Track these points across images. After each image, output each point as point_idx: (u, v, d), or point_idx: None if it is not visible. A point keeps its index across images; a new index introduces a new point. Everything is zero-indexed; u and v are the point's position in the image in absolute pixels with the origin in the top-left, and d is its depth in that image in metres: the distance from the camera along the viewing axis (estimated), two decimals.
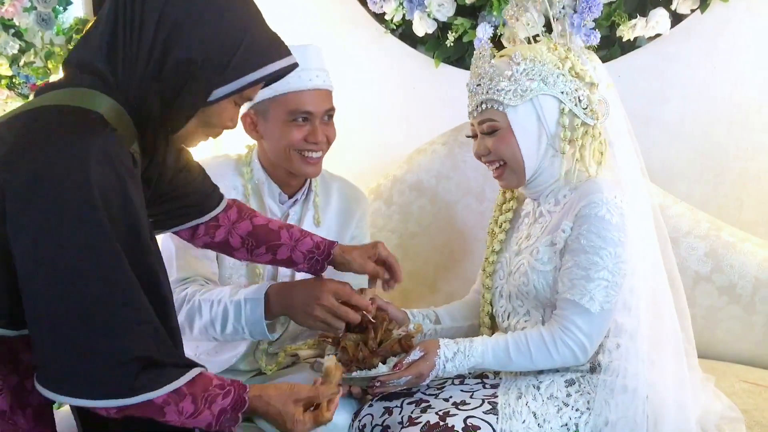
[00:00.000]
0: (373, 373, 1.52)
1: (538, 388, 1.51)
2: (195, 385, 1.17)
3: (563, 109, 1.54)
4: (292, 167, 1.78)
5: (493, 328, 1.74)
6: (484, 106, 1.57)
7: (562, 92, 1.54)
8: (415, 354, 1.53)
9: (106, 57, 1.17)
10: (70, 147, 1.08)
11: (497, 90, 1.54)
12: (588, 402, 1.49)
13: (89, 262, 1.08)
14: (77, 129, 1.11)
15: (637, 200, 1.55)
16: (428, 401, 1.51)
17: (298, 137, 1.74)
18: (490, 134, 1.58)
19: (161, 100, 1.18)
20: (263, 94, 1.73)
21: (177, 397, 1.15)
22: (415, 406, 1.51)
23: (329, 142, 1.80)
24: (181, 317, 1.66)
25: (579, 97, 1.55)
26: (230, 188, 1.82)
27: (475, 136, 1.65)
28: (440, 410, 1.46)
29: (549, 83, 1.54)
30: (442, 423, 1.43)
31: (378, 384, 1.53)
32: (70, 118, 1.13)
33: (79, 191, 1.06)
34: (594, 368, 1.55)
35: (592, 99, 1.55)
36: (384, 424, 1.50)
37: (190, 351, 1.81)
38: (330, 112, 1.80)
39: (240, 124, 1.53)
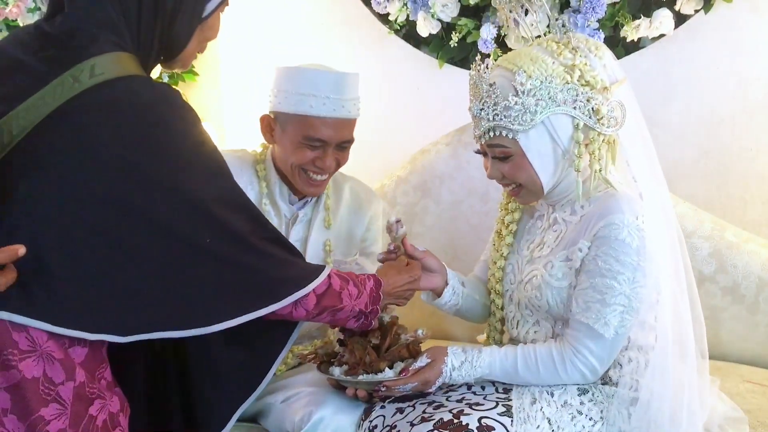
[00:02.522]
0: (379, 377, 1.53)
1: (552, 395, 1.49)
2: (347, 274, 1.46)
3: (577, 124, 1.45)
4: (294, 182, 1.78)
5: (503, 333, 1.72)
6: (492, 133, 1.48)
7: (574, 107, 1.44)
8: (422, 360, 1.53)
9: (112, 10, 1.22)
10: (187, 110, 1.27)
11: (504, 116, 1.44)
12: (602, 411, 1.47)
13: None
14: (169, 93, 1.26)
15: (658, 212, 1.49)
16: (441, 402, 1.51)
17: (306, 159, 1.72)
18: (503, 160, 1.51)
19: (161, 34, 1.26)
20: (287, 107, 1.72)
21: (344, 282, 1.42)
22: (428, 405, 1.50)
23: (338, 167, 1.79)
24: None
25: (593, 108, 1.44)
26: (247, 184, 1.82)
27: (484, 154, 1.57)
28: (453, 409, 1.45)
29: (558, 101, 1.43)
30: (456, 421, 1.41)
31: (383, 389, 1.53)
32: (154, 88, 1.24)
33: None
34: (606, 382, 1.53)
35: (607, 106, 1.44)
36: (393, 424, 1.49)
37: None
38: (346, 144, 1.77)
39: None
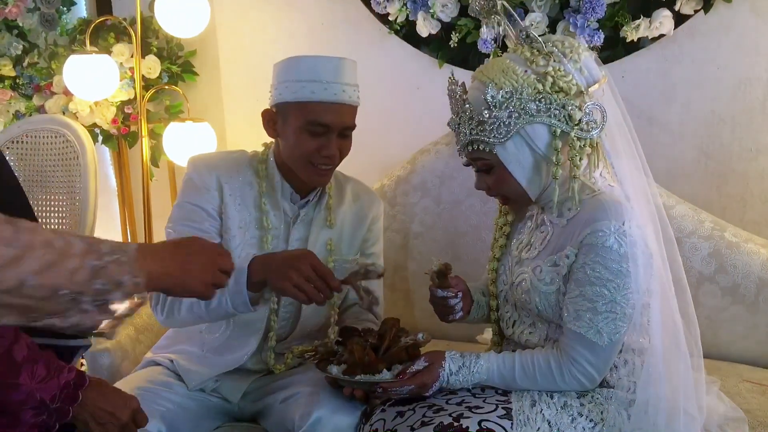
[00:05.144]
0: (376, 378, 1.53)
1: (552, 397, 1.49)
2: (47, 354, 1.15)
3: (555, 131, 1.44)
4: (301, 174, 1.77)
5: (500, 334, 1.72)
6: (470, 147, 1.50)
7: (549, 116, 1.43)
8: (419, 364, 1.53)
9: None
10: None
11: (480, 130, 1.46)
12: (602, 413, 1.47)
13: None
14: None
15: (645, 214, 1.48)
16: (441, 405, 1.50)
17: (311, 148, 1.71)
18: (487, 172, 1.52)
19: None
20: (288, 96, 1.71)
21: (33, 355, 1.12)
22: (428, 409, 1.50)
23: (342, 157, 1.78)
24: (169, 300, 1.67)
25: (569, 114, 1.43)
26: (246, 185, 1.81)
27: (470, 165, 1.58)
28: (453, 413, 1.45)
29: (531, 111, 1.43)
30: (456, 424, 1.41)
31: (380, 390, 1.53)
32: None
33: None
34: (603, 384, 1.52)
35: (584, 110, 1.43)
36: (394, 428, 1.49)
37: (196, 349, 1.83)
38: (348, 130, 1.76)
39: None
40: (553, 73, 1.44)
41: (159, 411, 1.68)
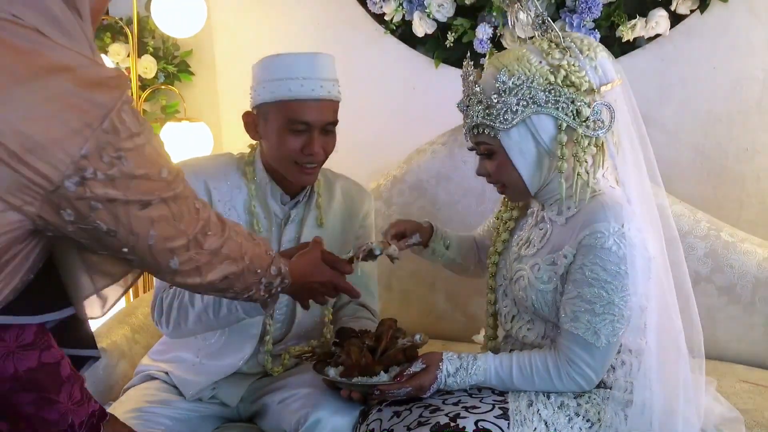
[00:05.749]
0: (374, 380, 1.53)
1: (548, 397, 1.49)
2: (79, 375, 1.14)
3: (561, 125, 1.43)
4: (287, 174, 1.76)
5: (496, 328, 1.72)
6: (476, 130, 1.50)
7: (557, 108, 1.42)
8: (416, 366, 1.53)
9: None
10: None
11: (487, 114, 1.46)
12: (599, 413, 1.47)
13: None
14: None
15: (645, 217, 1.47)
16: (437, 405, 1.50)
17: (294, 147, 1.69)
18: (489, 157, 1.52)
19: None
20: (266, 96, 1.70)
21: (75, 375, 1.10)
22: (425, 409, 1.49)
23: (326, 154, 1.75)
24: (174, 313, 1.67)
25: (578, 110, 1.42)
26: (234, 188, 1.80)
27: (474, 149, 1.58)
28: (450, 413, 1.45)
29: (540, 101, 1.42)
30: (453, 424, 1.41)
31: (378, 392, 1.53)
32: None
33: None
34: (599, 385, 1.52)
35: (593, 108, 1.41)
36: (390, 428, 1.49)
37: (191, 356, 1.81)
38: (330, 126, 1.74)
39: None
40: (566, 66, 1.44)
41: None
